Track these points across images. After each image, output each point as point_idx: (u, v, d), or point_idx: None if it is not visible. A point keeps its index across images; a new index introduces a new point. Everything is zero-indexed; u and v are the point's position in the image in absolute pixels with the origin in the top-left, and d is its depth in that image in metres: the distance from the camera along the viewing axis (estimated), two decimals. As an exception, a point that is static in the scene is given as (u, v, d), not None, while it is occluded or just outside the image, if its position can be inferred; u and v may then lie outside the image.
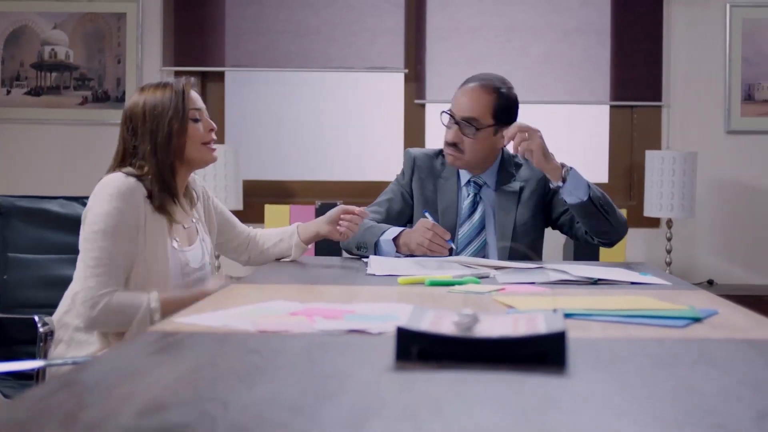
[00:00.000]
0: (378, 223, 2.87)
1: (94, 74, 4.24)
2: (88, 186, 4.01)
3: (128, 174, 2.39)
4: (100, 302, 2.28)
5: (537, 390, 1.17)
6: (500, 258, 2.82)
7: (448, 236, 2.70)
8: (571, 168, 2.73)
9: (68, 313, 2.38)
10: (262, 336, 1.54)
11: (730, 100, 4.17)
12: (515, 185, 2.91)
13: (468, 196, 2.91)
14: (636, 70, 4.18)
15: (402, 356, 1.33)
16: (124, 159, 2.44)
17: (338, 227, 2.68)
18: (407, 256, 2.73)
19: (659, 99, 4.18)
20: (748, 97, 4.18)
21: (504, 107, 2.84)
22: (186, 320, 1.67)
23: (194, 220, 2.54)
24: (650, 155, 4.00)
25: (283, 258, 2.75)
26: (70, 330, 2.38)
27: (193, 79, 2.53)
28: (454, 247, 2.74)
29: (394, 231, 2.78)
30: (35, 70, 4.25)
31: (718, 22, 4.17)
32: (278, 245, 2.75)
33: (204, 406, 1.08)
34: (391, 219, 2.92)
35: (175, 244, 2.43)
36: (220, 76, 4.30)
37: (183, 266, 2.45)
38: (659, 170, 3.94)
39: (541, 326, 1.39)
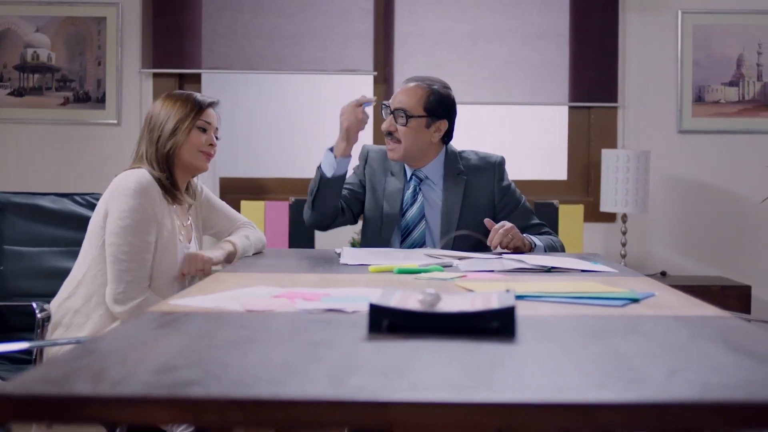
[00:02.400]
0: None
1: (75, 76, 4.41)
2: (72, 183, 4.21)
3: (144, 169, 2.62)
4: (138, 297, 2.51)
5: (488, 354, 1.38)
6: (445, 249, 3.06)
7: (360, 98, 2.96)
8: (533, 241, 3.02)
9: (69, 298, 2.57)
10: (250, 314, 1.74)
11: (682, 102, 4.41)
12: (461, 179, 3.14)
13: (409, 188, 3.15)
14: (593, 73, 4.40)
15: (374, 329, 1.54)
16: (137, 155, 2.66)
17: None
18: (347, 159, 3.04)
19: (615, 100, 4.40)
20: (699, 99, 4.41)
21: (436, 102, 3.07)
22: (179, 302, 1.87)
23: (191, 218, 2.75)
24: (606, 154, 4.22)
25: None
26: (70, 314, 2.57)
27: (218, 100, 2.79)
28: (368, 101, 2.99)
29: (328, 147, 3.08)
30: (18, 72, 4.41)
31: (670, 28, 4.40)
32: None
33: (208, 367, 1.29)
34: (346, 198, 3.16)
35: (181, 238, 2.64)
36: (197, 77, 4.48)
37: None
38: (614, 168, 4.16)
39: (494, 303, 1.60)
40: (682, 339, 1.54)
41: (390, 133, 3.08)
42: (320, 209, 3.07)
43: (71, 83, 4.40)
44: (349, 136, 3.01)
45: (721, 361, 1.35)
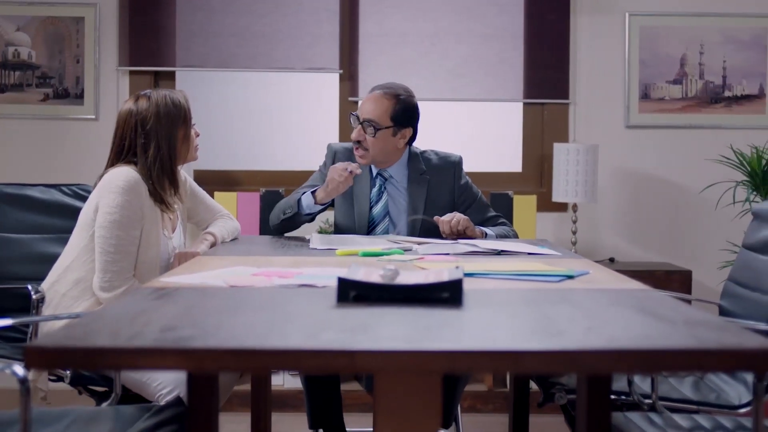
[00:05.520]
0: None
1: (54, 73, 4.62)
2: (52, 175, 4.42)
3: (131, 168, 2.84)
4: (122, 286, 2.74)
5: (438, 317, 1.65)
6: (410, 229, 3.32)
7: (349, 167, 3.16)
8: (484, 231, 3.28)
9: (57, 282, 2.80)
10: (233, 289, 1.99)
11: (629, 98, 4.69)
12: (424, 179, 3.40)
13: (375, 186, 3.39)
14: (546, 72, 4.66)
15: (342, 299, 1.80)
16: (127, 152, 2.87)
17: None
18: (323, 205, 3.27)
19: (566, 97, 4.67)
20: (645, 96, 4.70)
21: (402, 111, 3.29)
22: (169, 280, 2.12)
23: (176, 207, 2.99)
24: (558, 147, 4.48)
25: None
26: (58, 297, 2.80)
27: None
28: (353, 171, 3.19)
29: (311, 189, 3.31)
30: (-1, 69, 4.62)
31: (618, 29, 4.68)
32: None
33: (203, 327, 1.54)
34: (306, 216, 3.37)
35: (166, 233, 2.89)
36: (171, 75, 4.70)
37: (170, 252, 2.91)
38: (565, 161, 4.43)
39: (444, 277, 1.87)
40: (602, 306, 1.81)
41: (359, 142, 3.31)
42: (288, 226, 3.39)
43: (51, 80, 4.61)
44: (330, 190, 3.22)
45: (631, 322, 1.62)
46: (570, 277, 2.23)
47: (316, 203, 3.26)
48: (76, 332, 1.46)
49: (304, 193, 3.29)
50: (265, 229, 4.14)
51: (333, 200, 3.37)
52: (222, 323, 1.58)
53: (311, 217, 3.34)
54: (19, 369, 1.75)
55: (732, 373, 2.63)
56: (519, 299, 1.90)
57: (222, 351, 1.38)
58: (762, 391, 1.86)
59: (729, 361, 1.40)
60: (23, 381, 1.70)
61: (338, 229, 3.47)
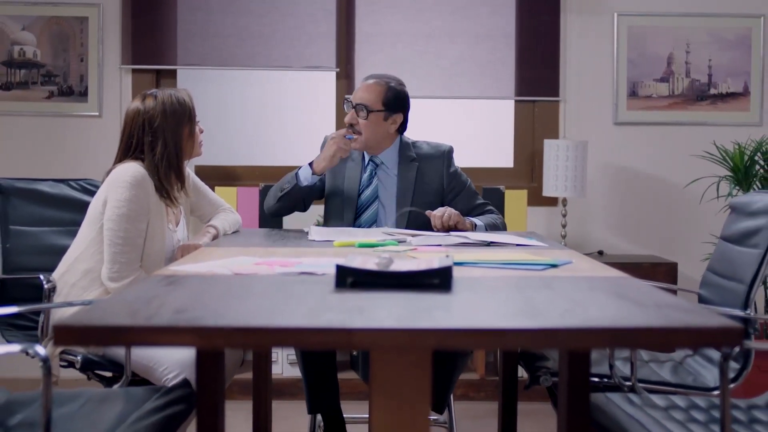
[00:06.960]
0: None
1: (59, 71, 4.75)
2: (57, 170, 4.55)
3: (137, 164, 2.97)
4: (130, 276, 2.88)
5: (429, 300, 1.78)
6: (399, 222, 3.45)
7: (348, 133, 3.35)
8: (473, 222, 3.41)
9: (67, 273, 2.94)
10: (238, 276, 2.13)
11: (617, 96, 4.83)
12: (414, 165, 3.53)
13: (366, 172, 3.53)
14: (537, 70, 4.80)
15: (340, 284, 1.94)
16: (134, 149, 3.00)
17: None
18: (321, 175, 3.44)
19: (557, 95, 4.81)
20: (633, 94, 4.84)
21: (393, 98, 3.46)
22: (177, 268, 2.26)
23: (180, 202, 3.13)
24: (548, 143, 4.62)
25: None
26: (68, 287, 2.94)
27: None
28: (354, 137, 3.40)
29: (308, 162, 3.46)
30: (5, 67, 4.73)
31: (607, 29, 4.82)
32: None
33: (212, 309, 1.68)
34: (304, 189, 3.50)
35: (170, 226, 3.03)
36: (173, 73, 4.83)
37: (174, 245, 3.05)
38: (555, 156, 4.57)
39: (435, 264, 2.00)
40: (581, 291, 1.95)
41: (352, 125, 3.46)
42: (285, 204, 3.52)
43: (55, 78, 4.74)
44: (333, 160, 3.39)
45: (606, 305, 1.76)
46: (554, 265, 2.36)
47: (313, 174, 3.40)
48: (98, 314, 1.60)
49: (300, 167, 3.45)
50: (264, 222, 4.28)
51: (324, 187, 3.54)
52: (229, 306, 1.71)
53: (309, 191, 3.45)
54: (40, 349, 1.88)
55: (696, 349, 2.78)
56: (504, 285, 2.03)
57: (231, 329, 1.51)
58: (728, 369, 2.00)
59: (693, 338, 1.54)
60: (45, 360, 1.84)
61: (326, 210, 3.59)
